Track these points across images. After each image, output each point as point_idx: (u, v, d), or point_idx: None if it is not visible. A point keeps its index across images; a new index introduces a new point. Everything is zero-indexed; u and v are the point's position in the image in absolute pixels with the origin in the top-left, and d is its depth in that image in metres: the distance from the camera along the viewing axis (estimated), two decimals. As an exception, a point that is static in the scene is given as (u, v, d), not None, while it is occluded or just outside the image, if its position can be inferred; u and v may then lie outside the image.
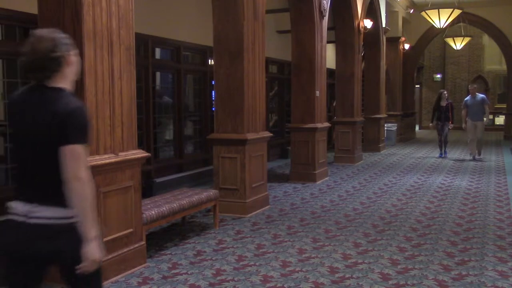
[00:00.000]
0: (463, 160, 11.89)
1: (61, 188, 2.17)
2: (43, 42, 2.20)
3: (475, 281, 4.16)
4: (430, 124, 13.31)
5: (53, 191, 2.21)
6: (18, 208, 2.24)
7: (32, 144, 2.22)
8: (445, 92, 12.73)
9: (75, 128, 2.17)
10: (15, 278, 2.28)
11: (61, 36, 2.27)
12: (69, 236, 2.21)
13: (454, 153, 13.75)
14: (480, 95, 12.06)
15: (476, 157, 12.36)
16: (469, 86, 12.55)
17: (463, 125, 12.19)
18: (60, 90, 2.24)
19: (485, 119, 12.07)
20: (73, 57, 2.30)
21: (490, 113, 24.94)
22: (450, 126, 12.51)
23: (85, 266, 2.20)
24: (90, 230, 2.18)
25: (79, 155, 2.16)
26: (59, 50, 2.22)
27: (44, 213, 2.19)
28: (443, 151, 12.93)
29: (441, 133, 12.69)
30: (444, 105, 12.43)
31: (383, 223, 6.11)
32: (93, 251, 2.20)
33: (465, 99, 12.34)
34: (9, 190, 5.72)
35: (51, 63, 2.20)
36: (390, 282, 4.13)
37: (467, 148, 12.96)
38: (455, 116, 13.08)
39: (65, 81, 2.28)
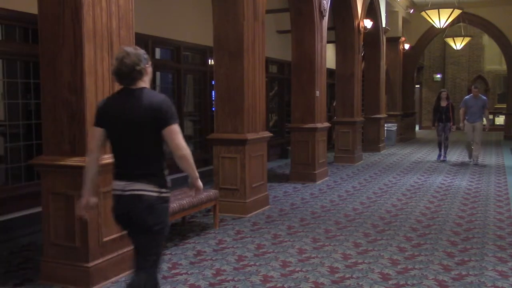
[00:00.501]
0: (461, 164, 11.48)
1: (155, 168, 2.91)
2: (130, 57, 2.85)
3: (475, 281, 4.16)
4: (433, 127, 12.70)
5: (148, 170, 2.88)
6: (118, 185, 2.93)
7: (133, 134, 2.87)
8: (445, 92, 12.10)
9: (170, 112, 2.85)
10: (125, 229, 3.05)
11: (142, 52, 2.94)
12: (150, 207, 2.85)
13: (453, 155, 13.47)
14: (482, 97, 11.52)
15: (475, 161, 11.78)
16: (473, 87, 11.78)
17: (460, 125, 11.66)
18: (143, 88, 2.91)
19: (485, 120, 11.62)
20: (149, 68, 2.97)
21: (490, 113, 25.32)
22: (452, 127, 11.98)
23: (196, 192, 3.10)
24: (195, 173, 3.02)
25: (178, 131, 2.87)
26: (141, 63, 2.88)
27: (140, 187, 2.86)
28: (442, 153, 12.27)
29: (441, 134, 12.08)
30: (444, 105, 11.84)
31: (383, 223, 6.10)
32: (199, 183, 3.06)
33: (465, 97, 11.80)
34: (9, 190, 5.74)
35: (136, 73, 2.87)
36: (390, 282, 4.13)
37: (466, 151, 12.39)
38: (456, 117, 12.48)
39: (145, 84, 2.95)
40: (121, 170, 2.95)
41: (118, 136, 2.93)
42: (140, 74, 2.89)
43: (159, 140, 2.88)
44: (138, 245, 2.99)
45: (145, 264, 2.94)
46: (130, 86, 2.92)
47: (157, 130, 2.84)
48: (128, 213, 2.90)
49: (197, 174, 3.08)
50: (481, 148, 12.00)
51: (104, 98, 3.19)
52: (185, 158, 2.92)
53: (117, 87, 2.99)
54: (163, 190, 2.92)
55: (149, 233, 2.89)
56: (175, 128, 2.86)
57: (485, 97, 11.69)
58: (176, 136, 2.86)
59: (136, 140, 2.88)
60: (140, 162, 2.89)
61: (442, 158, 12.18)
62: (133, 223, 2.92)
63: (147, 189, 2.86)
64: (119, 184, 2.92)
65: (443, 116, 11.85)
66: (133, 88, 2.91)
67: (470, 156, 11.74)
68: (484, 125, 11.56)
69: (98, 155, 3.03)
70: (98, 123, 2.99)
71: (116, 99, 2.99)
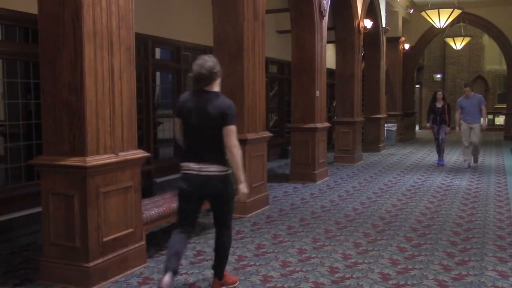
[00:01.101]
0: (458, 169, 10.77)
1: (220, 153, 3.66)
2: (208, 63, 3.62)
3: (475, 281, 4.16)
4: (428, 124, 12.00)
5: (216, 155, 3.66)
6: (192, 167, 3.66)
7: (204, 127, 3.64)
8: (441, 92, 11.32)
9: (231, 115, 3.63)
10: (185, 210, 3.78)
11: (216, 60, 3.71)
12: (223, 181, 3.69)
13: (451, 156, 13.21)
14: (477, 95, 10.78)
15: (472, 164, 11.03)
16: (464, 86, 10.93)
17: (456, 128, 10.91)
18: (216, 93, 3.69)
19: (482, 120, 10.65)
20: (220, 74, 3.73)
21: (490, 113, 25.34)
22: (447, 130, 11.21)
23: (240, 197, 3.73)
24: (241, 176, 3.69)
25: (234, 132, 3.63)
26: (216, 68, 3.64)
27: (210, 168, 3.65)
28: (442, 156, 11.56)
29: (437, 137, 11.32)
30: (440, 106, 11.09)
31: (383, 223, 6.10)
32: (244, 188, 3.73)
33: (459, 99, 10.98)
34: (9, 190, 5.74)
35: (212, 76, 3.62)
36: (390, 282, 4.14)
37: (462, 155, 11.44)
38: (452, 118, 11.84)
39: (217, 87, 3.70)
40: (193, 154, 3.70)
41: (192, 127, 3.69)
42: (215, 76, 3.66)
43: (221, 134, 3.65)
44: (218, 212, 3.84)
45: (225, 224, 3.86)
46: (205, 88, 3.67)
47: (221, 127, 3.61)
48: (203, 189, 3.68)
49: (242, 177, 3.70)
50: (479, 150, 11.17)
51: (184, 93, 3.89)
52: (233, 155, 3.64)
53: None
54: (228, 169, 3.70)
55: (225, 201, 3.77)
56: (232, 128, 3.64)
57: (480, 95, 10.93)
58: (231, 135, 3.64)
59: (207, 132, 3.66)
60: (210, 148, 3.68)
61: (440, 162, 11.46)
62: (212, 196, 3.76)
63: (218, 170, 3.68)
64: (194, 166, 3.68)
65: (437, 118, 11.16)
66: (208, 90, 3.67)
67: (468, 158, 10.96)
68: (481, 125, 10.66)
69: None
70: (178, 114, 3.78)
71: (194, 97, 3.72)
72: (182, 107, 3.74)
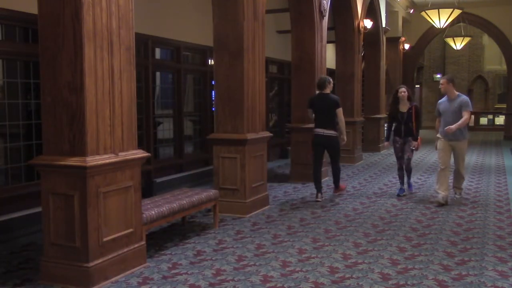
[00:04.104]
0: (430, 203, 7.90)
1: (334, 123, 7.33)
2: (324, 78, 7.54)
3: (475, 281, 4.16)
4: (386, 143, 9.05)
5: (332, 125, 7.33)
6: (320, 130, 7.33)
7: (327, 110, 7.33)
8: (404, 89, 7.70)
9: (337, 103, 7.36)
10: (317, 153, 7.50)
11: (328, 77, 7.59)
12: (335, 139, 7.39)
13: (427, 178, 9.39)
14: (461, 96, 7.03)
15: (456, 196, 7.49)
16: (441, 80, 7.23)
17: (436, 143, 7.32)
18: (328, 93, 7.42)
19: (461, 128, 6.88)
20: (331, 84, 7.49)
21: (490, 113, 25.39)
22: (414, 145, 7.64)
23: (342, 142, 7.53)
24: (344, 134, 7.54)
25: (341, 111, 7.41)
26: (328, 80, 7.46)
27: (329, 132, 7.31)
28: (405, 182, 8.04)
29: (400, 155, 7.78)
30: (405, 110, 7.61)
31: (383, 223, 6.10)
32: (344, 138, 7.58)
33: (438, 101, 7.41)
34: (9, 190, 5.74)
35: (326, 83, 7.41)
36: (390, 282, 4.14)
37: (436, 182, 7.34)
38: (422, 126, 8.34)
39: (329, 90, 7.43)
40: (321, 124, 7.33)
41: (320, 112, 7.37)
42: (329, 84, 7.41)
43: (334, 114, 7.32)
44: (333, 154, 7.49)
45: (337, 160, 7.53)
46: (322, 91, 7.41)
47: (334, 109, 7.31)
48: (326, 142, 7.37)
49: (344, 134, 7.54)
50: (464, 177, 7.63)
51: (314, 95, 7.74)
52: (342, 123, 7.43)
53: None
54: (337, 133, 7.37)
55: (336, 149, 7.46)
56: (340, 110, 7.35)
57: (465, 97, 7.08)
58: (340, 113, 7.35)
59: (327, 113, 7.32)
60: (328, 122, 7.31)
61: (404, 191, 7.92)
62: (329, 146, 7.42)
63: (332, 133, 7.33)
64: (320, 130, 7.33)
65: (402, 128, 7.67)
66: (324, 92, 7.40)
67: (443, 187, 7.10)
68: (450, 128, 6.74)
69: None
70: (310, 106, 7.52)
71: (319, 96, 7.48)
72: (312, 102, 7.51)
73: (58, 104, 3.97)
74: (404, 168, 7.89)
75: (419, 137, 7.65)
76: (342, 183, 7.96)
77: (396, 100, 7.71)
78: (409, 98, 7.66)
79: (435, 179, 7.48)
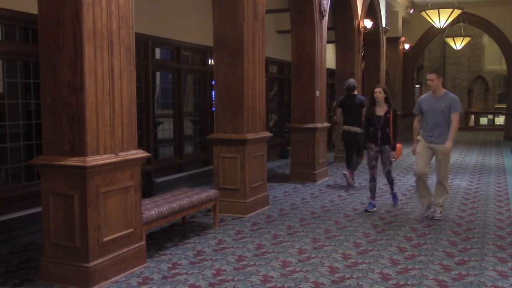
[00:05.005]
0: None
1: (359, 121, 8.32)
2: (352, 82, 8.71)
3: (475, 281, 4.16)
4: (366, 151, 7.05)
5: (357, 123, 8.37)
6: (346, 127, 8.59)
7: (353, 110, 8.51)
8: (380, 89, 6.91)
9: (363, 103, 8.43)
10: (346, 146, 8.81)
11: (354, 81, 8.84)
12: (359, 135, 8.18)
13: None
14: (450, 95, 6.28)
15: (437, 214, 6.24)
16: (428, 75, 6.47)
17: (413, 147, 6.45)
18: (356, 94, 8.70)
19: (448, 141, 6.05)
20: (356, 87, 8.88)
21: (490, 113, 25.40)
22: (393, 156, 6.81)
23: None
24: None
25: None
26: (356, 85, 8.76)
27: (354, 128, 8.45)
28: (392, 191, 7.26)
29: (374, 165, 6.80)
30: (382, 114, 6.75)
31: (383, 223, 6.10)
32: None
33: (420, 97, 6.75)
34: (9, 190, 5.74)
35: (353, 87, 8.64)
36: (390, 282, 4.14)
37: (415, 192, 7.23)
38: (400, 133, 7.17)
39: (356, 91, 8.70)
40: (347, 122, 8.50)
41: (348, 111, 8.55)
42: (355, 88, 8.65)
43: (360, 113, 8.31)
44: (356, 148, 8.51)
45: (357, 154, 8.57)
46: (352, 93, 8.58)
47: (360, 109, 8.35)
48: (350, 137, 8.51)
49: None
50: (447, 190, 6.41)
51: (342, 96, 8.85)
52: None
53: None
54: (361, 129, 7.94)
55: (359, 143, 8.15)
56: (365, 109, 7.45)
57: (454, 96, 6.32)
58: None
59: (353, 112, 8.45)
60: (354, 120, 8.41)
61: (374, 206, 6.81)
62: (353, 141, 8.45)
63: (357, 129, 8.34)
64: (346, 127, 8.52)
65: (378, 134, 6.76)
66: (353, 93, 8.60)
67: (424, 198, 6.44)
68: (445, 147, 6.09)
69: None
70: (340, 105, 8.87)
71: (347, 96, 8.65)
72: (342, 102, 8.71)
73: (58, 104, 3.97)
74: (387, 179, 7.10)
75: (399, 145, 6.49)
76: (348, 172, 8.62)
77: (373, 101, 6.92)
78: (387, 100, 6.86)
79: (416, 191, 6.74)
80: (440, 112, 6.10)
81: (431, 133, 6.16)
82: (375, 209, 6.79)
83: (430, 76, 6.30)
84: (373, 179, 6.87)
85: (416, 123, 6.51)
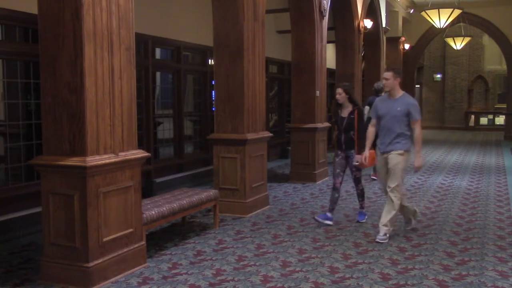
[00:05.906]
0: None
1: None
2: (380, 83, 8.53)
3: (475, 281, 4.16)
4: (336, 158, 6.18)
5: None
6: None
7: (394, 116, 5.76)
8: (341, 90, 6.04)
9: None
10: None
11: (382, 84, 6.32)
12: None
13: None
14: (407, 97, 5.52)
15: (379, 237, 5.30)
16: (384, 73, 5.60)
17: (364, 154, 5.67)
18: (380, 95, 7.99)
19: (416, 155, 5.55)
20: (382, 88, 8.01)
21: (490, 113, 25.43)
22: (357, 160, 5.85)
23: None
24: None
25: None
26: (382, 88, 7.87)
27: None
28: (333, 211, 6.12)
29: (340, 173, 6.11)
30: (346, 115, 6.06)
31: (383, 223, 6.09)
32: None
33: (377, 99, 5.92)
34: (9, 190, 5.74)
35: (381, 89, 8.23)
36: (390, 282, 4.13)
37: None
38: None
39: (383, 93, 7.32)
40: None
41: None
42: (382, 90, 7.75)
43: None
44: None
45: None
46: (378, 94, 8.26)
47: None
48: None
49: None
50: (393, 209, 5.32)
51: (373, 97, 8.60)
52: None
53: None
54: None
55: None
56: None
57: (412, 99, 5.59)
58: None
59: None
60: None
61: (330, 218, 6.01)
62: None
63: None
64: None
65: (341, 137, 6.08)
66: (379, 95, 7.84)
67: (408, 219, 5.80)
68: (413, 164, 5.59)
69: None
70: (368, 104, 8.46)
71: (376, 97, 7.82)
72: (371, 103, 7.67)
73: (58, 104, 3.97)
74: (357, 191, 6.26)
75: (372, 151, 5.76)
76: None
77: (337, 102, 6.10)
78: (351, 100, 6.04)
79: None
80: (396, 118, 5.33)
81: (384, 140, 5.43)
82: (330, 223, 5.93)
83: (386, 74, 5.45)
84: (335, 189, 6.07)
85: (370, 127, 5.67)
